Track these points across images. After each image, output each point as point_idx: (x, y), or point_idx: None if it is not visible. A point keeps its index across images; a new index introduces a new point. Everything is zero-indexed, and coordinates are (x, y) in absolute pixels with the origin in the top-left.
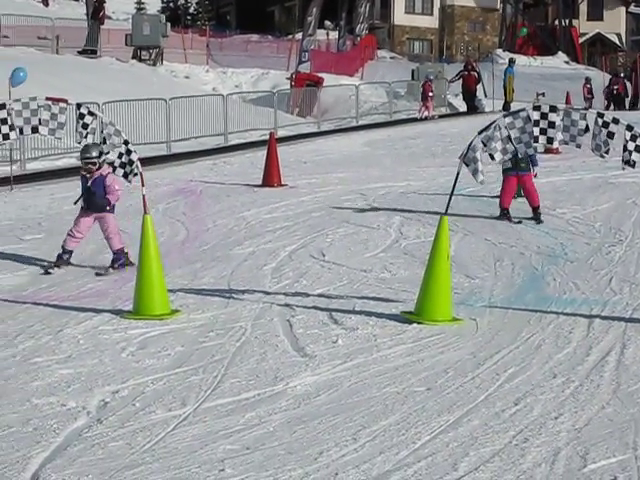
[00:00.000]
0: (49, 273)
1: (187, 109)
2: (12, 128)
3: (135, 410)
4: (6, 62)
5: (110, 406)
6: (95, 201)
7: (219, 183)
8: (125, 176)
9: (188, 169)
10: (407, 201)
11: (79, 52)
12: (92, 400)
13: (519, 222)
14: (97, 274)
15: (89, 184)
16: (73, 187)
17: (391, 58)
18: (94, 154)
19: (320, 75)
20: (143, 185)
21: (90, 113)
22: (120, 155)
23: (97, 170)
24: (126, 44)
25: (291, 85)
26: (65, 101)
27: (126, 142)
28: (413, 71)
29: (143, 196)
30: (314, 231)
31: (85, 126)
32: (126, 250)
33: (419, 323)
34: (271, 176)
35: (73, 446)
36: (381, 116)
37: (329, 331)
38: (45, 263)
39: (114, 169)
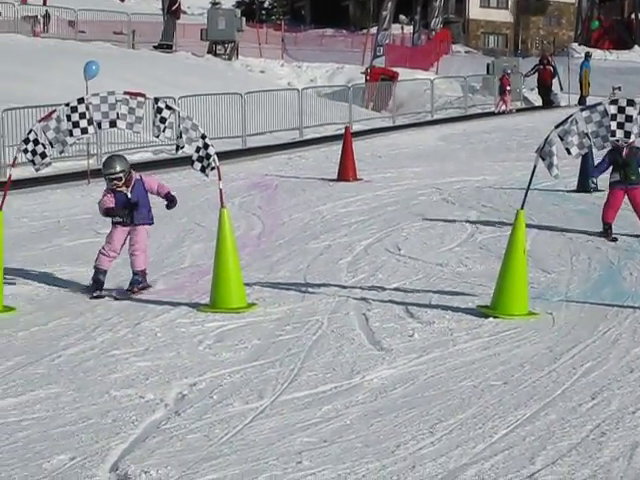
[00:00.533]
0: (98, 297)
1: (262, 103)
2: (90, 122)
3: (213, 403)
4: (83, 57)
5: (188, 398)
6: (139, 212)
7: (294, 177)
8: (202, 170)
9: (263, 163)
10: (483, 195)
11: (155, 47)
12: (170, 392)
13: (614, 240)
14: (116, 298)
15: (129, 195)
16: None
17: (466, 52)
18: (118, 168)
19: (395, 69)
20: (220, 179)
21: (168, 107)
22: (197, 149)
23: (127, 182)
24: (201, 39)
25: (366, 79)
26: (143, 95)
27: (203, 136)
28: (488, 65)
29: (220, 190)
30: (389, 225)
31: (163, 120)
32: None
33: (495, 317)
34: (346, 170)
35: (151, 438)
36: (456, 110)
37: (405, 325)
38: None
39: (192, 163)
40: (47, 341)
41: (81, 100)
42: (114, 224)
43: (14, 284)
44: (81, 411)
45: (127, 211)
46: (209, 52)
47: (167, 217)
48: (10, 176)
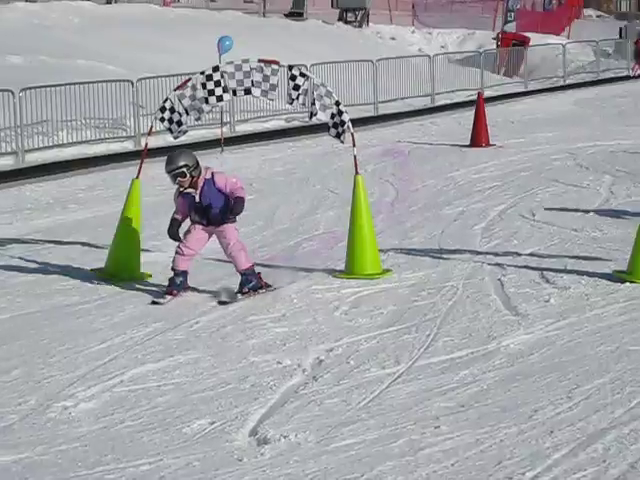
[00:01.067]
0: (157, 303)
1: (394, 70)
2: (225, 90)
3: (350, 368)
4: (215, 27)
5: (325, 364)
6: (214, 214)
7: (427, 144)
8: (338, 136)
9: (396, 130)
10: (617, 160)
11: (285, 15)
12: (307, 358)
13: None
14: (220, 302)
15: (197, 199)
16: (283, 148)
17: (597, 17)
18: (180, 163)
19: (526, 34)
20: (354, 146)
21: (302, 74)
22: (332, 116)
23: (193, 179)
24: (332, 6)
25: (497, 45)
26: (277, 63)
27: (337, 103)
28: (620, 29)
29: (354, 157)
30: (523, 191)
31: (297, 87)
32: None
33: (632, 282)
34: (479, 136)
35: (290, 403)
36: (589, 75)
37: (541, 290)
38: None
39: (328, 129)
40: (185, 307)
41: (216, 68)
42: (193, 221)
43: (152, 251)
44: (220, 376)
45: (200, 214)
46: (339, 19)
47: (302, 184)
48: (147, 144)
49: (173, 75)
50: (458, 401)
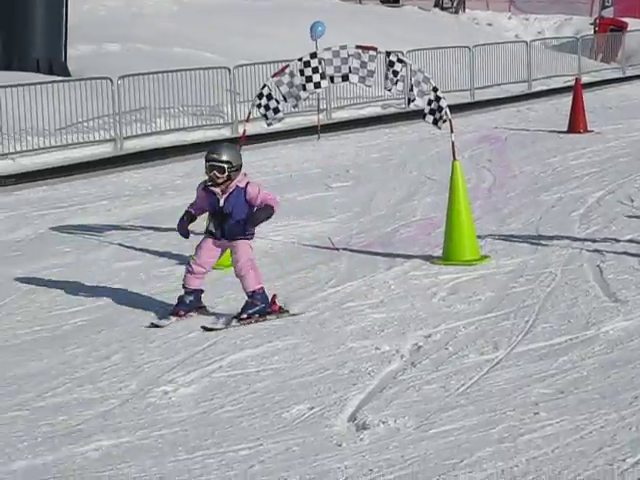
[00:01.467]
0: (157, 326)
1: (490, 56)
2: (323, 76)
3: (448, 354)
4: (311, 13)
5: (423, 350)
6: (231, 225)
7: (524, 130)
8: (435, 122)
9: (492, 116)
10: None
11: (382, 1)
12: (405, 344)
13: None
14: (204, 328)
15: (221, 203)
16: (379, 135)
17: None
18: (224, 157)
19: (624, 20)
20: (452, 132)
21: (399, 60)
22: (429, 102)
23: (227, 182)
24: None
25: (594, 31)
26: (375, 49)
27: (435, 89)
28: None
29: (452, 143)
30: (622, 177)
31: (395, 73)
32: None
33: None
34: (577, 122)
35: (388, 388)
36: None
37: None
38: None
39: (423, 116)
40: (282, 293)
41: (314, 55)
42: (208, 232)
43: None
44: (318, 362)
45: (217, 221)
46: (436, 5)
47: (398, 170)
48: (245, 131)
49: (270, 62)
50: (557, 387)
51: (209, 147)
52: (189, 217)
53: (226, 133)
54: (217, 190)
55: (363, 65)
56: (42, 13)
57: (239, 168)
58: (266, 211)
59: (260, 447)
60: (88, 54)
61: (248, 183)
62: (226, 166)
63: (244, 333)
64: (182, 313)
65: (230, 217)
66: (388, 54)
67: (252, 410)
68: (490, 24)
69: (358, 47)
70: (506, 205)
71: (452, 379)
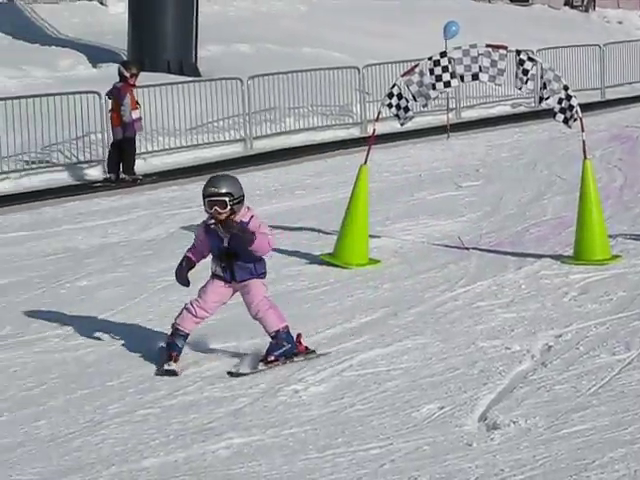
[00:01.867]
0: (168, 373)
1: (621, 55)
2: (453, 76)
3: (579, 354)
4: (441, 13)
5: (554, 350)
6: (239, 266)
7: None
8: (565, 121)
9: (623, 115)
10: None
11: (511, 0)
12: (536, 344)
13: None
14: (230, 373)
15: (225, 243)
16: (510, 134)
17: None
18: (224, 190)
19: None
20: (583, 130)
21: (530, 59)
22: (560, 101)
23: (229, 217)
24: None
25: None
26: (505, 48)
27: (566, 87)
28: None
29: (583, 141)
30: None
31: (525, 72)
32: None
33: None
34: None
35: (519, 388)
36: None
37: None
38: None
39: (554, 115)
40: (412, 293)
41: (444, 54)
42: (214, 275)
43: (379, 237)
44: (448, 361)
45: (223, 263)
46: (565, 4)
47: (528, 170)
48: (374, 131)
49: (399, 62)
50: None
51: (206, 181)
52: (188, 264)
53: (355, 132)
54: (220, 230)
55: (493, 64)
56: (173, 14)
57: (241, 200)
58: (247, 235)
59: (390, 446)
60: (218, 54)
61: (252, 217)
62: (227, 199)
63: (374, 332)
64: (176, 355)
65: (238, 257)
66: (518, 52)
67: (382, 409)
68: (620, 22)
69: (488, 46)
70: (637, 204)
71: (583, 379)
